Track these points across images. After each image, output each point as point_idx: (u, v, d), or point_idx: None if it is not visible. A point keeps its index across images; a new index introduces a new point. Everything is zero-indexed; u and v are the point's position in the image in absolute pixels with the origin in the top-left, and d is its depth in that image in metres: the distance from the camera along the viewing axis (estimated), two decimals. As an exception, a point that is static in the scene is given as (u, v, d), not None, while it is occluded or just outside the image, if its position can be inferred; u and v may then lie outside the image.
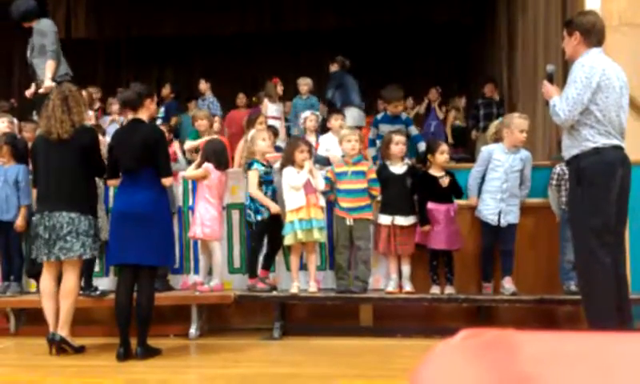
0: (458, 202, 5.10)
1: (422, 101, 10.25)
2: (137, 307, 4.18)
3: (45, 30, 5.96)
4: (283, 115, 8.41)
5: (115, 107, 8.29)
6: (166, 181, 4.31)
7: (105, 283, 5.24)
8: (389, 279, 5.07)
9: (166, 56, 12.65)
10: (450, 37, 11.93)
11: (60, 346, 4.29)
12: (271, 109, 8.11)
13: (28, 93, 6.16)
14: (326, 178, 5.08)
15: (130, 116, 4.45)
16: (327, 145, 6.09)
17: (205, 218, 5.01)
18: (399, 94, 5.89)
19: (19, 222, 5.20)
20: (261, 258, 5.13)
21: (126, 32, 11.87)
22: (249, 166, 5.09)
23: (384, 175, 5.09)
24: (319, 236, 4.92)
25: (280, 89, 8.32)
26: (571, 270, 4.72)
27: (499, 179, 4.94)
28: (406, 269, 5.04)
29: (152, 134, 4.33)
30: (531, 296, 4.85)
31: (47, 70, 5.84)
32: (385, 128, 5.66)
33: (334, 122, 6.25)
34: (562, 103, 3.73)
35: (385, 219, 5.00)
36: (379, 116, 6.10)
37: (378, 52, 12.06)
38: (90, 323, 5.20)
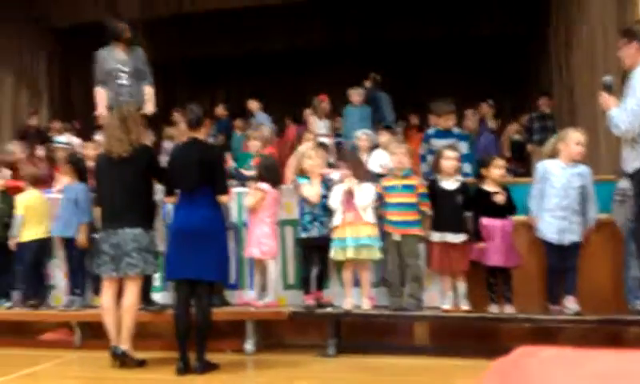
0: (514, 218, 4.93)
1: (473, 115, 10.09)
2: (196, 322, 4.27)
3: (143, 57, 6.17)
4: (333, 131, 8.44)
5: (172, 132, 8.44)
6: (223, 198, 4.43)
7: (163, 297, 5.38)
8: (444, 297, 4.98)
9: (218, 75, 12.97)
10: (502, 49, 11.75)
11: (122, 360, 4.42)
12: (319, 125, 8.16)
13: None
14: (378, 194, 5.05)
15: (187, 135, 4.58)
16: (379, 160, 6.10)
17: (260, 237, 5.08)
18: (449, 107, 5.82)
19: (80, 240, 5.40)
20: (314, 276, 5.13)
21: (181, 53, 12.26)
22: (295, 183, 5.14)
23: (435, 191, 4.99)
24: (367, 254, 4.85)
25: (326, 106, 8.35)
26: (637, 288, 4.50)
27: (557, 196, 4.71)
28: (462, 286, 4.94)
29: (210, 153, 4.48)
30: (595, 316, 4.60)
31: (151, 96, 6.02)
32: (436, 143, 5.60)
33: (382, 138, 6.29)
34: (621, 114, 3.64)
35: (437, 236, 4.92)
36: (430, 131, 6.00)
37: (429, 66, 12.00)
38: (148, 337, 5.28)
